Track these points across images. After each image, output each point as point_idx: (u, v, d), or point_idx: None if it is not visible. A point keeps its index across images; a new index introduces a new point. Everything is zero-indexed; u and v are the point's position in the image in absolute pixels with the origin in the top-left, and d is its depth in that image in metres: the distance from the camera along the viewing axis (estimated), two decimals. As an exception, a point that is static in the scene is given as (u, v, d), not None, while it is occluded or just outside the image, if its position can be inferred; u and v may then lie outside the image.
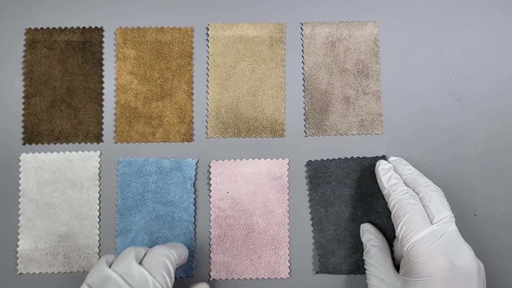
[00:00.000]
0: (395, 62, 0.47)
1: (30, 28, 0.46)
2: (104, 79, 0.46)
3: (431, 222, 0.37)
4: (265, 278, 0.44)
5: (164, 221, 0.44)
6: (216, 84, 0.46)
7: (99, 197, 0.45)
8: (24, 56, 0.46)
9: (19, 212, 0.44)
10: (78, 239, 0.44)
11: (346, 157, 0.45)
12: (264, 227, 0.44)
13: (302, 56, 0.47)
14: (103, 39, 0.47)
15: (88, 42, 0.46)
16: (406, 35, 0.47)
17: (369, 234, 0.42)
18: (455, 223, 0.38)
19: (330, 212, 0.44)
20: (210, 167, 0.45)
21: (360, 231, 0.43)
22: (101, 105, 0.46)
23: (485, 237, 0.44)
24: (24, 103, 0.45)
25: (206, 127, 0.46)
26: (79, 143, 0.45)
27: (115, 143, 0.46)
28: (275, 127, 0.46)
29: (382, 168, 0.42)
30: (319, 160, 0.45)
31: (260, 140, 0.46)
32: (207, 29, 0.47)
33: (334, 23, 0.47)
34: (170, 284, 0.35)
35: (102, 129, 0.46)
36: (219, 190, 0.44)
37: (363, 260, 0.42)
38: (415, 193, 0.40)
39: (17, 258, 0.43)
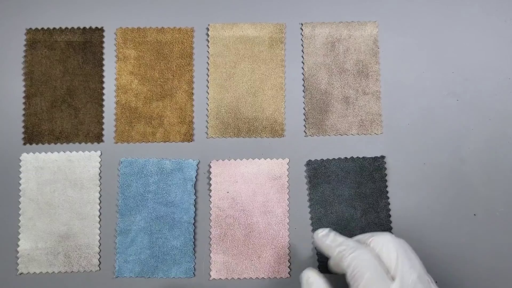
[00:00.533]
0: (395, 62, 0.47)
1: (30, 28, 0.46)
2: (104, 79, 0.46)
3: (390, 274, 0.33)
4: (265, 278, 0.44)
5: (164, 221, 0.44)
6: (216, 84, 0.46)
7: (100, 197, 0.45)
8: (25, 56, 0.46)
9: (19, 212, 0.44)
10: (78, 239, 0.44)
11: (346, 157, 0.45)
12: (264, 227, 0.44)
13: (302, 57, 0.47)
14: (104, 39, 0.47)
15: (88, 42, 0.46)
16: (406, 35, 0.47)
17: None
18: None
19: (330, 212, 0.44)
20: (210, 167, 0.45)
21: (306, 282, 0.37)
22: (102, 105, 0.46)
23: (485, 237, 0.44)
24: (24, 103, 0.46)
25: (207, 127, 0.46)
26: (80, 143, 0.46)
27: (116, 143, 0.46)
28: (275, 127, 0.46)
29: (322, 234, 0.38)
30: (319, 160, 0.45)
31: (260, 140, 0.46)
32: (207, 29, 0.47)
33: (334, 23, 0.47)
34: None
35: (102, 129, 0.46)
36: (219, 190, 0.45)
37: None
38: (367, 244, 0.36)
39: (18, 258, 0.43)
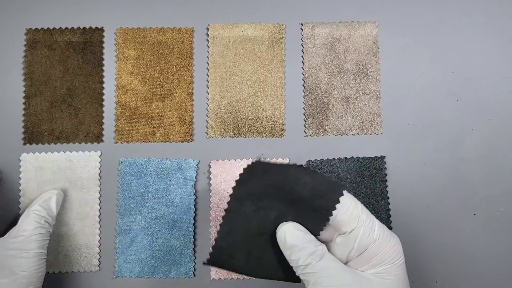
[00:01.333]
0: (395, 62, 0.47)
1: (30, 28, 0.46)
2: (104, 79, 0.46)
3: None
4: (265, 278, 0.44)
5: (164, 221, 0.44)
6: (216, 84, 0.46)
7: (99, 197, 0.45)
8: (25, 56, 0.46)
9: (19, 212, 0.44)
10: (78, 239, 0.44)
11: (346, 157, 0.45)
12: (264, 227, 0.44)
13: (302, 57, 0.47)
14: (104, 39, 0.47)
15: (88, 42, 0.46)
16: (406, 35, 0.47)
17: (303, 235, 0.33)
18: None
19: (330, 212, 0.44)
20: (210, 167, 0.45)
21: (287, 235, 0.33)
22: (102, 105, 0.46)
23: (484, 237, 0.44)
24: (24, 103, 0.46)
25: (206, 127, 0.46)
26: (80, 143, 0.46)
27: (116, 143, 0.46)
28: (275, 127, 0.46)
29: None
30: (319, 160, 0.45)
31: (260, 140, 0.46)
32: (207, 29, 0.47)
33: (334, 24, 0.47)
34: None
35: (102, 129, 0.46)
36: (219, 190, 0.44)
37: None
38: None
39: (18, 258, 0.43)
